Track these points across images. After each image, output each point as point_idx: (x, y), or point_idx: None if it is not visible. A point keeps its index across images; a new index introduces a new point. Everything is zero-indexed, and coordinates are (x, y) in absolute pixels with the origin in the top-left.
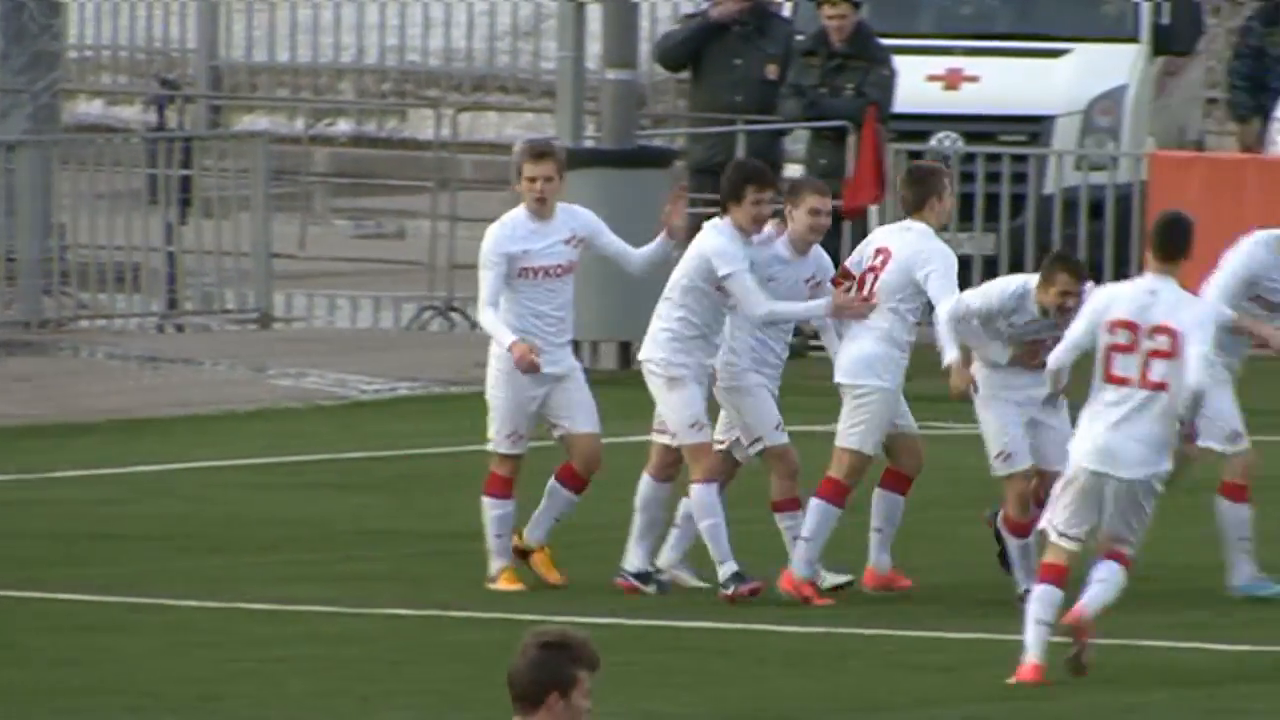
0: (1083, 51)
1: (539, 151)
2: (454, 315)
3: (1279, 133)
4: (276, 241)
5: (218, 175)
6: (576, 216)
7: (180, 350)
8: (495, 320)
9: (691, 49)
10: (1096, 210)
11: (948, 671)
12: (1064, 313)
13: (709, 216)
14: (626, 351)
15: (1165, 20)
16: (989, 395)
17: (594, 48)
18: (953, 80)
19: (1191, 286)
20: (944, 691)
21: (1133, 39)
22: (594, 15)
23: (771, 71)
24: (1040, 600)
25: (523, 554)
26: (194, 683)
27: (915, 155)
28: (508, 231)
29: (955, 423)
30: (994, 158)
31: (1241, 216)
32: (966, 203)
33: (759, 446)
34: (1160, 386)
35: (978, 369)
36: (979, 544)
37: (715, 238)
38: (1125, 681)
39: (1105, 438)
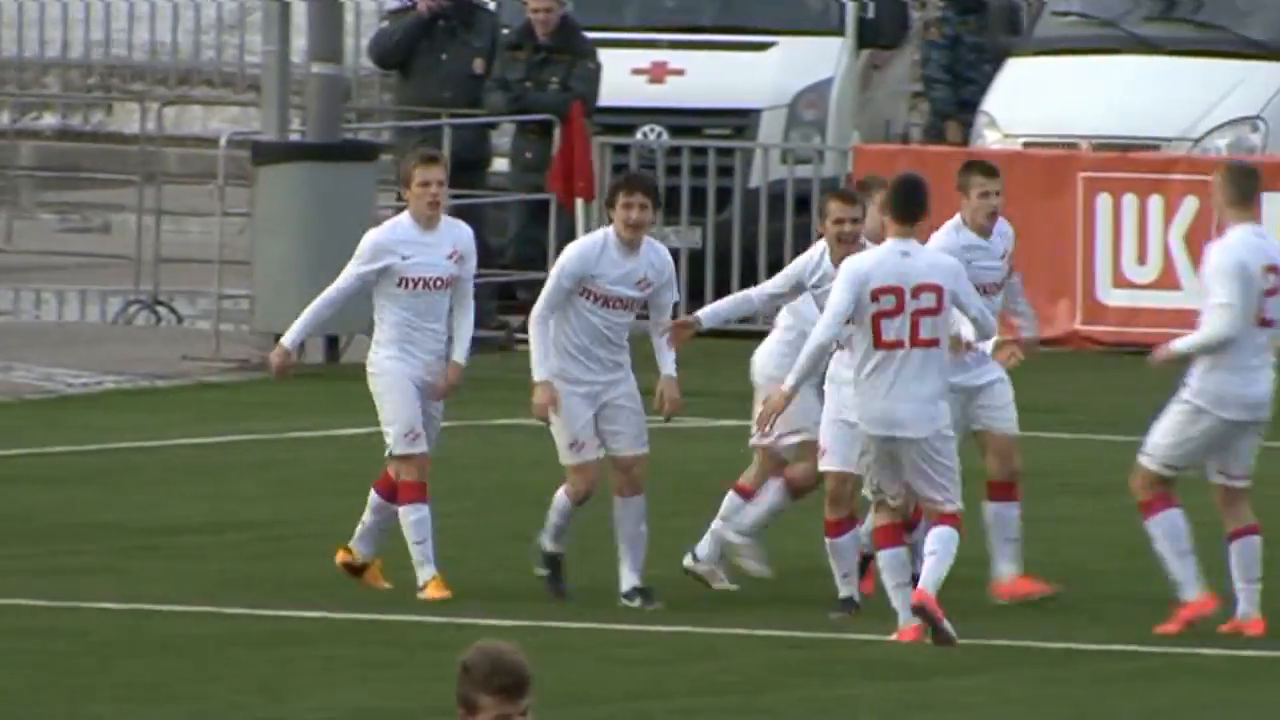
0: (788, 45)
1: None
2: (160, 309)
3: (986, 126)
4: None
5: None
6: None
7: None
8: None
9: (408, 47)
10: (802, 204)
11: (659, 665)
12: (843, 243)
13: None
14: (334, 346)
15: (870, 14)
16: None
17: (299, 42)
18: (658, 74)
19: None
20: (654, 685)
21: (838, 32)
22: (299, 10)
23: (478, 65)
24: (888, 567)
25: (355, 570)
26: None
27: (620, 149)
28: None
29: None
30: (700, 151)
31: (944, 214)
32: (673, 196)
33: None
34: (932, 343)
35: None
36: (693, 538)
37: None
38: (836, 675)
39: (883, 405)
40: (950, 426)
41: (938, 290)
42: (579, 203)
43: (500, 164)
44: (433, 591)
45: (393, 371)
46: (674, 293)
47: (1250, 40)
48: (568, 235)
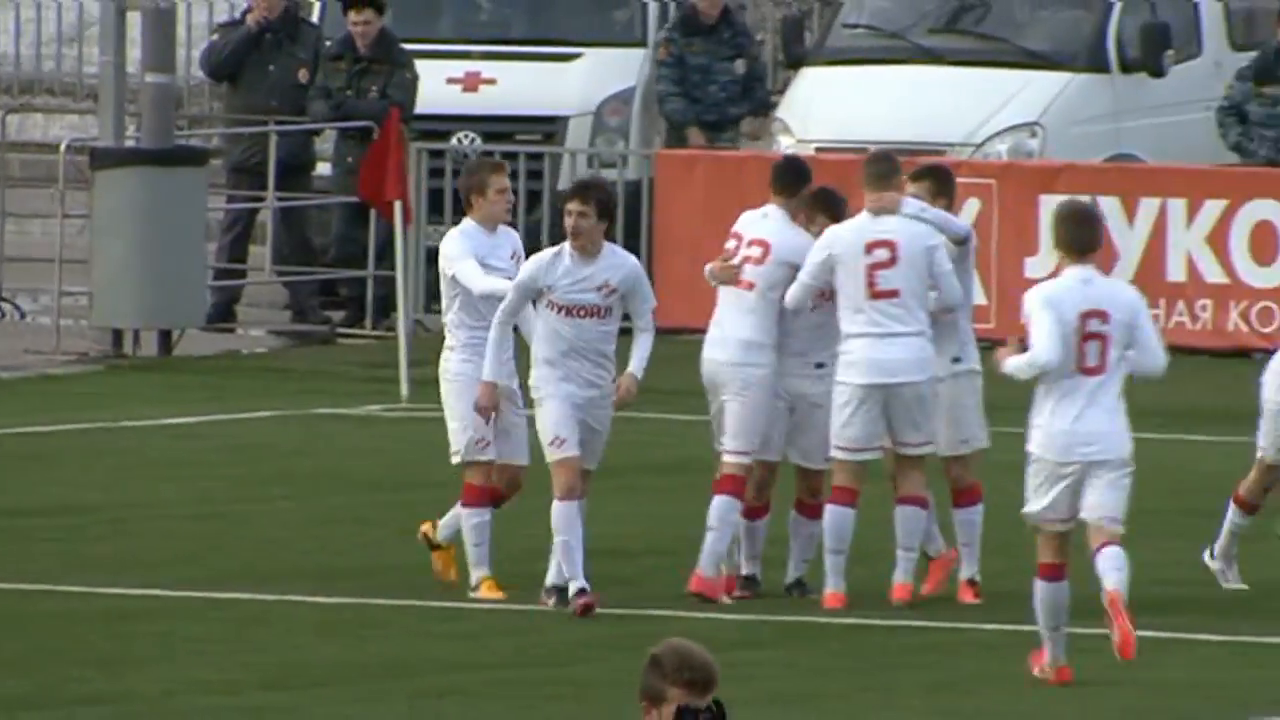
0: (593, 56)
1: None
2: (4, 305)
3: (780, 132)
4: None
5: None
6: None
7: None
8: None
9: (237, 59)
10: None
11: (473, 639)
12: (576, 236)
13: (251, 214)
14: (167, 339)
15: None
16: None
17: (134, 53)
18: (471, 83)
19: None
20: (468, 657)
21: (640, 44)
22: (134, 22)
23: (303, 75)
24: (833, 530)
25: (431, 546)
26: None
27: (436, 154)
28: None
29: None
30: (511, 156)
31: (736, 208)
32: None
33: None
34: (894, 294)
35: None
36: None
37: None
38: (641, 648)
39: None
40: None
41: (892, 246)
42: (396, 205)
43: (324, 168)
44: (486, 591)
45: (464, 375)
46: (647, 297)
47: (1029, 51)
48: (387, 235)
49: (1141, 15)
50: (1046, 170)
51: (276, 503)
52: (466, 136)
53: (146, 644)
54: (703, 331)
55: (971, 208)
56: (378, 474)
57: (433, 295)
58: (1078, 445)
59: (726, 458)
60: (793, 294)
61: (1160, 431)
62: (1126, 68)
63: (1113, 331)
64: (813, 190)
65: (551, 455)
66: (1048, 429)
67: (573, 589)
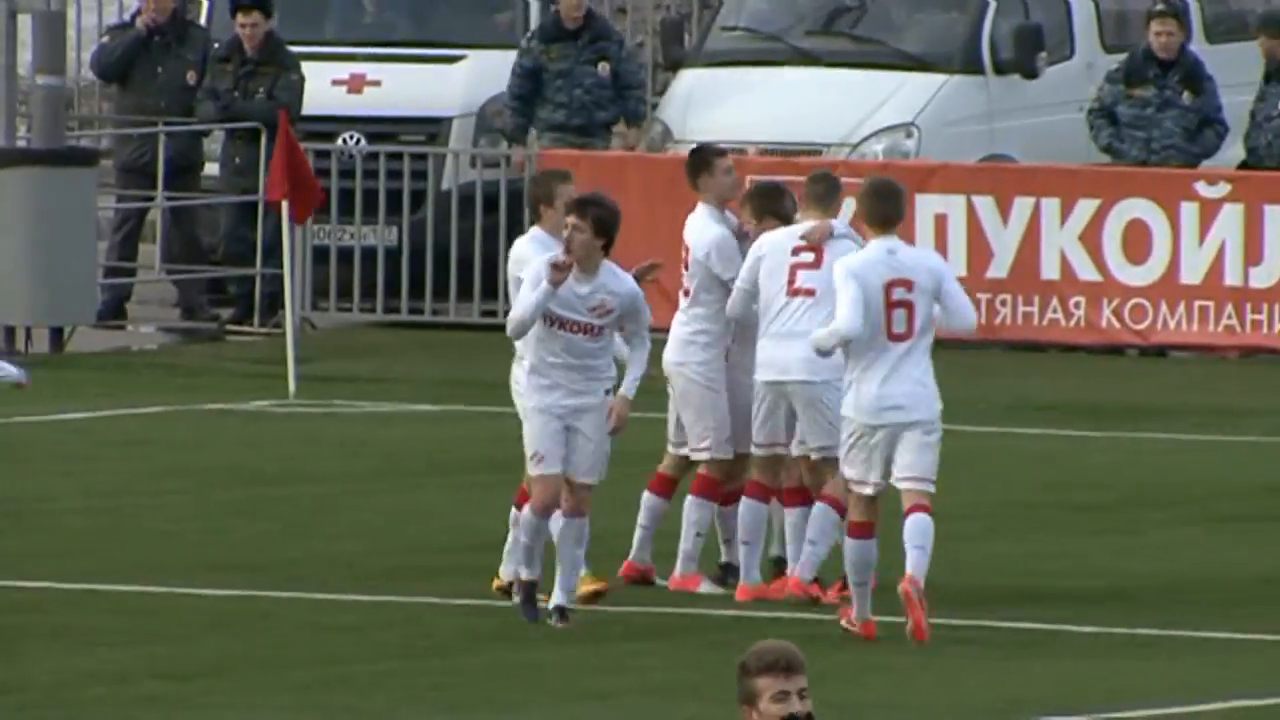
0: (476, 58)
1: None
2: None
3: (660, 133)
4: None
5: None
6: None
7: None
8: None
9: (127, 60)
10: (491, 205)
11: (360, 631)
12: (569, 250)
13: (141, 213)
14: (60, 336)
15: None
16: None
17: (25, 55)
18: (356, 84)
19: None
20: (355, 649)
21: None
22: (25, 24)
23: (190, 77)
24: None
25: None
26: None
27: (322, 154)
28: None
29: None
30: (395, 156)
31: (626, 214)
32: (370, 198)
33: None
34: (810, 292)
35: None
36: (400, 515)
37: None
38: (524, 640)
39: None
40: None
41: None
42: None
43: (212, 168)
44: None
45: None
46: (641, 319)
47: (904, 53)
48: (275, 233)
49: (1015, 18)
50: (922, 170)
51: (167, 497)
52: (352, 137)
53: (39, 635)
54: None
55: (849, 207)
56: (266, 468)
57: (319, 293)
58: (886, 409)
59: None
60: (731, 302)
61: (1035, 426)
62: (1000, 69)
63: (918, 299)
64: (756, 188)
65: (530, 470)
66: (858, 393)
67: (523, 575)
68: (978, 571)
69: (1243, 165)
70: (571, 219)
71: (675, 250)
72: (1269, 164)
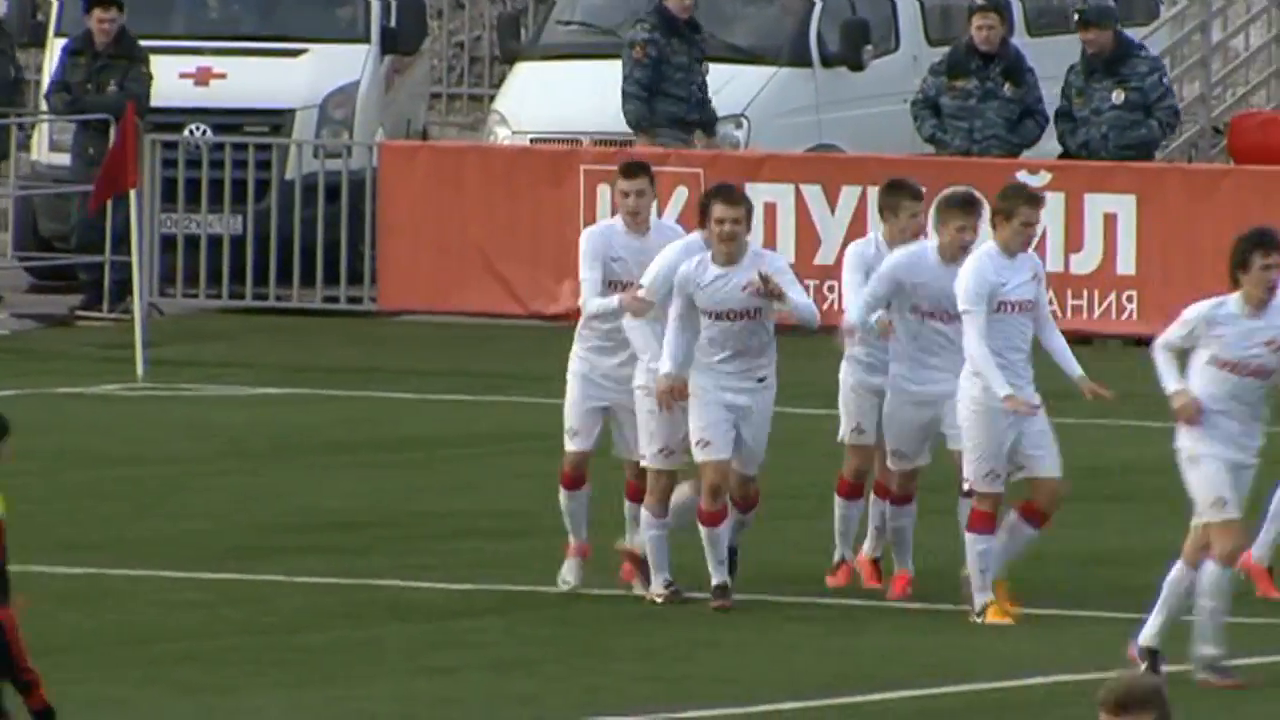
0: (319, 51)
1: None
2: None
3: (497, 124)
4: None
5: None
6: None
7: None
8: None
9: None
10: (333, 194)
11: (208, 608)
12: (723, 241)
13: None
14: None
15: (393, 23)
16: None
17: None
18: (203, 77)
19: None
20: (203, 626)
21: (364, 40)
22: None
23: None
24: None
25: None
26: None
27: (170, 145)
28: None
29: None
30: (240, 147)
31: (462, 203)
32: (216, 187)
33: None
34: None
35: None
36: (246, 495)
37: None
38: (367, 616)
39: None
40: None
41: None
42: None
43: (63, 158)
44: (626, 567)
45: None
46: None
47: (735, 47)
48: (125, 222)
49: (842, 12)
50: (751, 160)
51: (19, 478)
52: (198, 128)
53: None
54: (421, 312)
55: (681, 196)
56: (115, 450)
57: (167, 279)
58: None
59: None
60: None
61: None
62: (828, 62)
63: None
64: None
65: (699, 456)
66: None
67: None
68: (807, 550)
69: (1064, 155)
70: (723, 210)
71: (514, 233)
72: (1101, 154)
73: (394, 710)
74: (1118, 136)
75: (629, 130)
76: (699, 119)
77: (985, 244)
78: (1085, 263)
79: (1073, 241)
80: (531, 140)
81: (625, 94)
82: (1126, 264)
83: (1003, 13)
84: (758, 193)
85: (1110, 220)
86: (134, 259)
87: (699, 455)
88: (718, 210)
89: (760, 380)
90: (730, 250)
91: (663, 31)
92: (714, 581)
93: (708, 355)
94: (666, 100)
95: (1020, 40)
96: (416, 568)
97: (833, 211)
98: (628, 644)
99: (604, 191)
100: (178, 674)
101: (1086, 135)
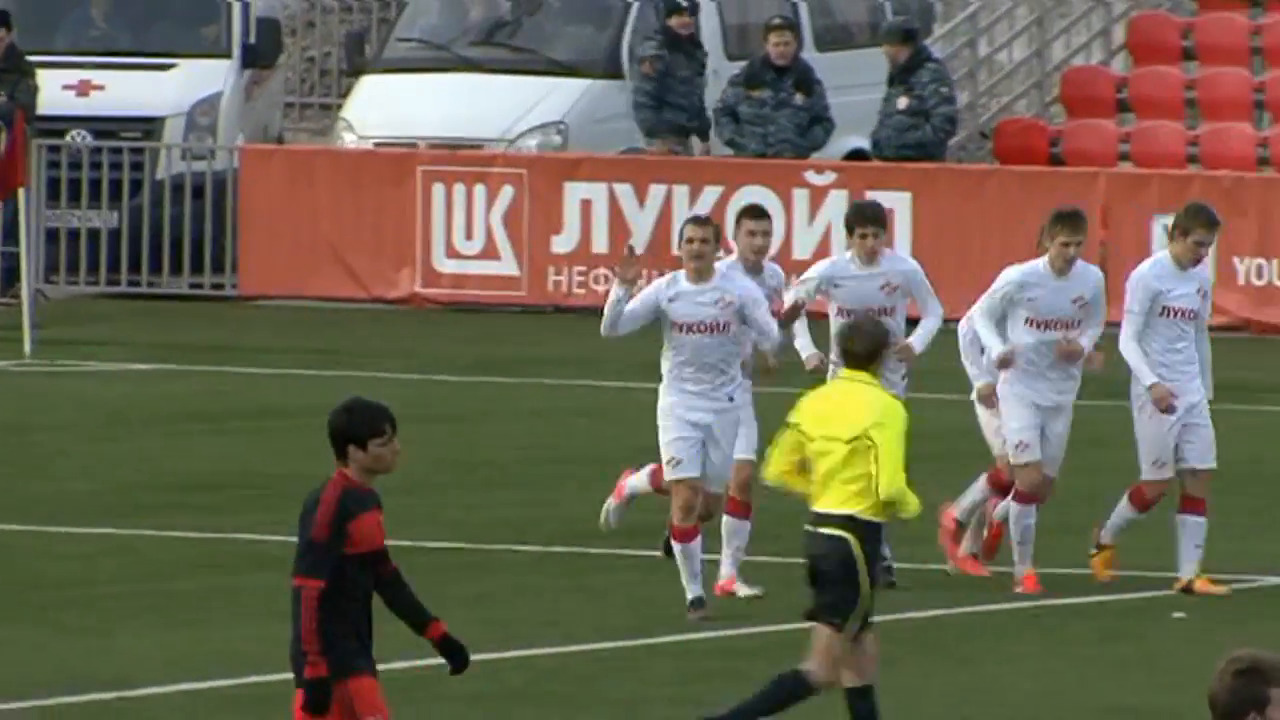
0: (187, 65)
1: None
2: None
3: (344, 130)
4: None
5: None
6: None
7: None
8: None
9: None
10: (199, 192)
11: (85, 559)
12: (866, 253)
13: None
14: None
15: (253, 41)
16: None
17: None
18: (84, 89)
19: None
20: (82, 575)
21: (227, 55)
22: None
23: None
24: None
25: None
26: None
27: (54, 149)
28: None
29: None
30: (117, 150)
31: (313, 200)
32: (95, 186)
33: None
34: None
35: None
36: (121, 459)
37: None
38: (230, 566)
39: None
40: None
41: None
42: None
43: None
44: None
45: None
46: (930, 293)
47: (555, 61)
48: (14, 216)
49: (650, 30)
50: (569, 161)
51: None
52: (79, 134)
53: None
54: (277, 297)
55: (506, 195)
56: (4, 419)
57: (51, 268)
58: None
59: None
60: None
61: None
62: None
63: None
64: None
65: (1015, 458)
66: None
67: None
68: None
69: (852, 155)
70: (865, 227)
71: (359, 226)
72: (888, 154)
73: (253, 650)
74: (898, 138)
75: (463, 135)
76: (698, 126)
77: (1160, 252)
78: None
79: None
80: (375, 144)
81: (636, 104)
82: (903, 253)
83: (795, 30)
84: (575, 191)
85: (889, 215)
86: (22, 250)
87: (669, 474)
88: (688, 230)
89: (730, 400)
90: (699, 267)
91: (669, 48)
92: (690, 596)
93: (678, 373)
94: (671, 110)
95: (809, 55)
96: (273, 523)
97: (642, 207)
98: (460, 591)
99: (439, 190)
100: (60, 617)
101: (876, 136)
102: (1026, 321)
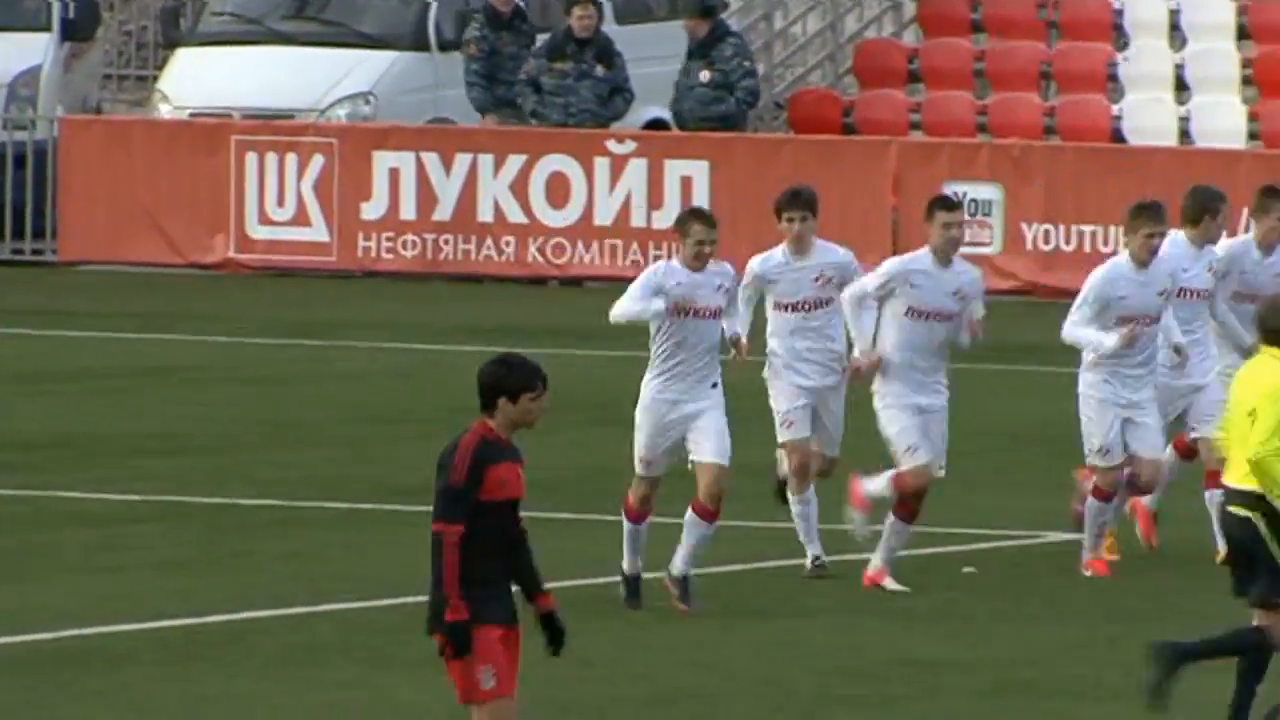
0: (7, 38)
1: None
2: None
3: (160, 101)
4: None
5: None
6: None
7: None
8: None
9: None
10: (20, 161)
11: None
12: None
13: None
14: None
15: (71, 15)
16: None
17: None
18: None
19: None
20: None
21: (46, 29)
22: None
23: None
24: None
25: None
26: None
27: None
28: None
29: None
30: None
31: (131, 168)
32: None
33: None
34: None
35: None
36: None
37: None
38: (45, 524)
39: None
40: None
41: None
42: None
43: None
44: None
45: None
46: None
47: (363, 34)
48: None
49: (457, 5)
50: (378, 131)
51: None
52: None
53: None
54: (96, 262)
55: (317, 163)
56: None
57: None
58: None
59: None
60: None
61: (474, 345)
62: (443, 47)
63: None
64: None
65: (1095, 462)
66: None
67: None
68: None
69: (651, 125)
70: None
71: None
72: (692, 126)
73: (71, 604)
74: (702, 110)
75: (275, 105)
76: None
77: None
78: (665, 219)
79: (655, 200)
80: (190, 115)
81: (468, 84)
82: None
83: (597, 4)
84: (384, 159)
85: (687, 182)
86: None
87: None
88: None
89: (714, 386)
90: (701, 262)
91: (491, 27)
92: (674, 573)
93: (665, 363)
94: (502, 86)
95: (610, 28)
96: (91, 481)
97: (448, 175)
98: (271, 547)
99: (252, 159)
100: None
101: (678, 108)
102: (1118, 321)
